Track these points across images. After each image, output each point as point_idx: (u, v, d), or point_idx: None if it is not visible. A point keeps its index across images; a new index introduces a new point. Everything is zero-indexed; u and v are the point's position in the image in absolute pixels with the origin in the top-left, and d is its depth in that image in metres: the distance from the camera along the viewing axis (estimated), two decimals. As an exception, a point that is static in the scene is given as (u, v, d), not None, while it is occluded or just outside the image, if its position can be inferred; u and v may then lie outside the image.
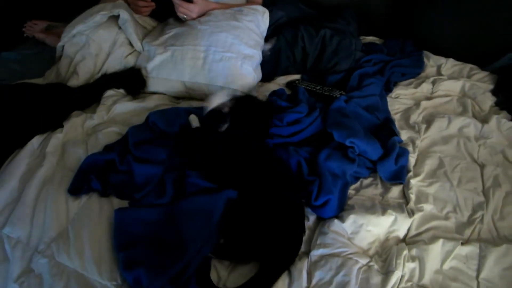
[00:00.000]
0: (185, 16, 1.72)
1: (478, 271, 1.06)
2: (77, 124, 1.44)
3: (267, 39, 1.79)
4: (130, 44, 1.71)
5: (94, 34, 1.63)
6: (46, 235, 1.11)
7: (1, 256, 1.09)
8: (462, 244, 1.12)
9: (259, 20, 1.77)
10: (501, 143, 1.47)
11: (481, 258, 1.09)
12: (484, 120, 1.56)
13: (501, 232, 1.18)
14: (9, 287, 1.05)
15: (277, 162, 1.25)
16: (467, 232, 1.17)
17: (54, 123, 1.42)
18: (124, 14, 1.63)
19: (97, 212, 1.16)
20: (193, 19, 1.73)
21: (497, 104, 1.67)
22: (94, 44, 1.64)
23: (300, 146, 1.35)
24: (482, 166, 1.38)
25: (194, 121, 1.36)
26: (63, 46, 1.66)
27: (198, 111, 1.45)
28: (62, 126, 1.42)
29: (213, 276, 1.05)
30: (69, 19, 1.73)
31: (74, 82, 1.60)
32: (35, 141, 1.36)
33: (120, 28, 1.68)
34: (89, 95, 1.57)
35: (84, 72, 1.63)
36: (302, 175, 1.24)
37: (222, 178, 1.18)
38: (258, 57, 1.70)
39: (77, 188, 1.20)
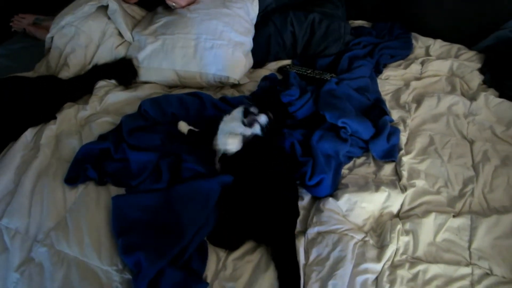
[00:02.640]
0: (174, 4, 1.71)
1: (470, 241, 1.10)
2: (70, 116, 1.44)
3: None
4: (120, 34, 1.70)
5: (83, 25, 1.62)
6: (45, 225, 1.12)
7: (0, 247, 1.10)
8: (454, 216, 1.15)
9: (249, 7, 1.77)
10: (489, 119, 1.51)
11: (473, 229, 1.12)
12: (472, 98, 1.59)
13: (491, 204, 1.21)
14: (10, 276, 1.05)
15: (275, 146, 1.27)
16: (459, 205, 1.21)
17: (46, 115, 1.42)
18: (113, 4, 1.62)
19: (94, 200, 1.17)
20: (182, 7, 1.72)
21: (484, 82, 1.71)
22: (84, 35, 1.63)
23: (294, 128, 1.37)
24: (471, 142, 1.41)
25: (183, 127, 1.33)
26: (52, 38, 1.64)
27: (189, 97, 1.46)
28: (55, 118, 1.41)
29: (212, 257, 1.07)
30: (57, 13, 1.71)
31: (65, 74, 1.60)
32: (29, 133, 1.36)
33: (109, 18, 1.67)
34: (81, 87, 1.56)
35: (74, 64, 1.62)
36: (295, 157, 1.26)
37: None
38: (249, 43, 1.71)
39: (73, 178, 1.21)
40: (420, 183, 1.25)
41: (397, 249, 1.08)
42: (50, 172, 1.24)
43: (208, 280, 1.02)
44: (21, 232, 1.12)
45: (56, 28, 1.62)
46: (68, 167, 1.23)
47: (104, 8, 1.65)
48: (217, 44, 1.61)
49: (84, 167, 1.21)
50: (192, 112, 1.43)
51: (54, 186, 1.20)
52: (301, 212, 1.17)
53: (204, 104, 1.45)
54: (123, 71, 1.65)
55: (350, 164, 1.34)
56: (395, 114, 1.51)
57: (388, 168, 1.31)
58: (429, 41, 1.94)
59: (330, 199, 1.18)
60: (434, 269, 1.03)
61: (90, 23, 1.64)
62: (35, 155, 1.28)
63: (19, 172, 1.24)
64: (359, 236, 1.10)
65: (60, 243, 1.08)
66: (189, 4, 1.74)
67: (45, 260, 1.06)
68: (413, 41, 1.94)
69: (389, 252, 1.07)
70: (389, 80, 1.73)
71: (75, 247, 1.07)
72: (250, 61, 1.73)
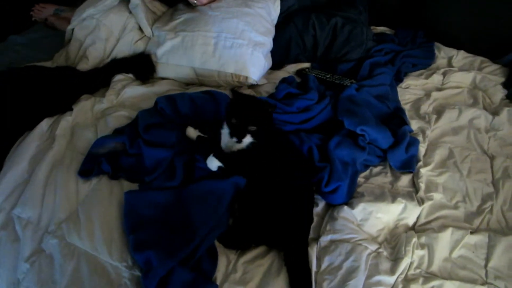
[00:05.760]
0: (195, 1, 1.70)
1: (487, 260, 1.07)
2: (86, 108, 1.44)
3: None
4: (140, 29, 1.70)
5: (104, 18, 1.63)
6: (57, 216, 1.12)
7: (12, 236, 1.10)
8: (471, 233, 1.13)
9: (270, 7, 1.76)
10: (511, 135, 1.47)
11: (490, 247, 1.09)
12: (494, 112, 1.56)
13: (510, 222, 1.18)
14: (20, 266, 1.05)
15: (291, 146, 1.25)
16: (476, 222, 1.18)
17: (63, 106, 1.43)
18: (135, -2, 1.62)
19: (107, 194, 1.16)
20: (203, 4, 1.72)
21: (508, 97, 1.67)
22: (105, 28, 1.63)
23: (312, 133, 1.35)
24: (492, 158, 1.38)
25: (192, 133, 1.30)
26: (72, 30, 1.65)
27: (205, 95, 1.45)
28: (72, 109, 1.42)
29: (223, 259, 1.06)
30: (77, 3, 1.72)
31: (83, 66, 1.60)
32: (44, 123, 1.36)
33: (130, 12, 1.67)
34: (98, 79, 1.56)
35: (94, 56, 1.63)
36: (313, 161, 1.24)
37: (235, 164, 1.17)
38: (269, 44, 1.70)
39: (87, 171, 1.20)
40: (437, 196, 1.22)
41: (411, 263, 1.06)
42: (64, 163, 1.24)
43: (218, 282, 1.01)
44: (33, 222, 1.11)
45: (77, 20, 1.63)
46: (83, 160, 1.23)
47: (126, 2, 1.66)
48: (237, 43, 1.60)
49: (98, 160, 1.21)
50: (205, 115, 1.41)
51: (67, 177, 1.20)
52: (315, 219, 1.15)
53: (218, 105, 1.44)
54: (141, 66, 1.65)
55: (367, 172, 1.32)
56: (414, 125, 1.48)
57: (405, 179, 1.28)
58: (452, 51, 1.91)
59: (345, 207, 1.16)
60: (449, 285, 1.01)
61: (111, 17, 1.64)
62: (50, 146, 1.28)
63: (34, 162, 1.24)
64: (373, 247, 1.08)
65: (71, 235, 1.07)
66: (210, 2, 1.73)
67: (56, 252, 1.06)
68: (436, 51, 1.91)
69: (403, 265, 1.04)
70: (410, 89, 1.71)
71: (86, 240, 1.06)
72: (269, 62, 1.71)
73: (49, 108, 1.41)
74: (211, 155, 1.17)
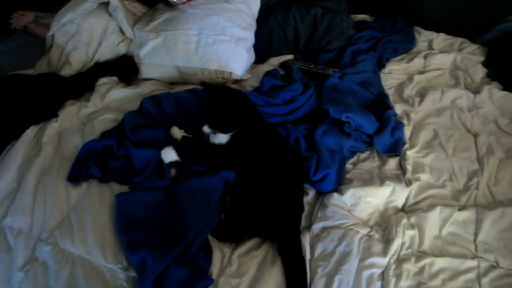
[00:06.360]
0: (175, 0, 1.70)
1: (476, 234, 1.10)
2: (72, 113, 1.43)
3: None
4: (121, 31, 1.69)
5: (84, 22, 1.61)
6: (48, 223, 1.12)
7: (4, 246, 1.09)
8: (459, 210, 1.15)
9: (250, 2, 1.75)
10: (493, 112, 1.50)
11: (478, 222, 1.12)
12: (476, 91, 1.58)
13: (496, 196, 1.21)
14: (15, 276, 1.05)
15: (279, 139, 1.26)
16: (464, 199, 1.20)
17: (48, 113, 1.41)
18: (114, 1, 1.61)
19: (98, 198, 1.16)
20: (183, 3, 1.71)
21: (488, 75, 1.70)
22: (85, 33, 1.62)
23: (298, 123, 1.36)
24: (475, 136, 1.41)
25: (177, 134, 1.30)
26: (53, 36, 1.63)
27: (190, 94, 1.45)
28: (57, 116, 1.41)
29: (217, 253, 1.07)
30: (56, 9, 1.70)
31: (66, 72, 1.59)
32: (30, 131, 1.35)
33: (110, 15, 1.66)
34: (82, 84, 1.55)
35: (76, 61, 1.61)
36: (300, 152, 1.25)
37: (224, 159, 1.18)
38: (251, 39, 1.70)
39: (76, 176, 1.20)
40: (424, 177, 1.24)
41: (402, 243, 1.08)
42: (53, 170, 1.23)
43: (214, 277, 1.02)
44: (24, 231, 1.11)
45: (57, 25, 1.61)
46: (71, 165, 1.22)
47: (105, 5, 1.64)
48: (219, 40, 1.60)
49: (87, 165, 1.20)
50: (191, 113, 1.40)
51: (57, 184, 1.19)
52: (306, 208, 1.17)
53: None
54: (125, 68, 1.64)
55: (354, 158, 1.33)
56: (398, 108, 1.50)
57: (392, 163, 1.30)
58: (432, 34, 1.94)
59: (335, 194, 1.17)
60: (440, 262, 1.03)
61: (91, 20, 1.63)
62: (37, 153, 1.27)
63: (22, 170, 1.23)
64: (364, 231, 1.10)
65: (64, 241, 1.07)
66: (190, 0, 1.73)
67: (50, 259, 1.06)
68: (416, 35, 1.94)
69: (395, 246, 1.06)
70: (392, 74, 1.73)
71: (79, 245, 1.06)
72: (252, 56, 1.72)
73: (34, 116, 1.39)
74: (170, 147, 1.18)
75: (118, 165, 1.24)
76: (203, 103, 1.19)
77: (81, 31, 1.61)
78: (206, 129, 1.11)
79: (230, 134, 1.12)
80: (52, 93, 1.46)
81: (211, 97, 1.16)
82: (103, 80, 1.57)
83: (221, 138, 1.12)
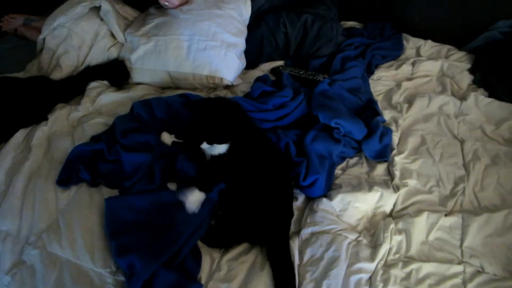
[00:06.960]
0: (166, 3, 1.70)
1: (462, 240, 1.11)
2: (62, 116, 1.43)
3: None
4: (113, 35, 1.69)
5: (75, 26, 1.62)
6: (36, 227, 1.11)
7: (-9, 249, 1.08)
8: (446, 215, 1.16)
9: (242, 8, 1.77)
10: (479, 119, 1.52)
11: (464, 228, 1.13)
12: (462, 98, 1.61)
13: (482, 202, 1.22)
14: (1, 279, 1.04)
15: (270, 144, 1.26)
16: (450, 204, 1.22)
17: (38, 116, 1.41)
18: (106, 5, 1.61)
19: (87, 202, 1.16)
20: (175, 7, 1.72)
21: (474, 82, 1.72)
22: (76, 37, 1.62)
23: (288, 129, 1.37)
24: (462, 142, 1.43)
25: (167, 139, 1.30)
26: (44, 39, 1.63)
27: (181, 99, 1.45)
28: (47, 119, 1.40)
29: (206, 258, 1.07)
30: (47, 13, 1.70)
31: (57, 75, 1.59)
32: (20, 134, 1.35)
33: (101, 19, 1.66)
34: (73, 87, 1.56)
35: (67, 65, 1.61)
36: (290, 157, 1.26)
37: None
38: (241, 45, 1.71)
39: (65, 179, 1.20)
40: (412, 182, 1.26)
41: (390, 249, 1.09)
42: (42, 173, 1.23)
43: (203, 281, 1.02)
44: (12, 234, 1.10)
45: (48, 29, 1.61)
46: (60, 169, 1.22)
47: (97, 9, 1.65)
48: (210, 45, 1.61)
49: (76, 169, 1.20)
50: (182, 118, 1.40)
51: (46, 187, 1.19)
52: (295, 213, 1.17)
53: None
54: (116, 72, 1.64)
55: (343, 164, 1.35)
56: (387, 115, 1.52)
57: (380, 168, 1.32)
58: (420, 41, 1.96)
59: (324, 199, 1.18)
60: (427, 267, 1.04)
61: (82, 24, 1.63)
62: (27, 157, 1.27)
63: (10, 173, 1.23)
64: (352, 236, 1.11)
65: (52, 245, 1.07)
66: (181, 5, 1.74)
67: (37, 263, 1.05)
68: (404, 42, 1.96)
69: (383, 251, 1.07)
70: (381, 81, 1.75)
71: (67, 249, 1.06)
72: (243, 62, 1.73)
73: (24, 119, 1.39)
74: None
75: (108, 169, 1.24)
76: (193, 122, 1.17)
77: (72, 35, 1.61)
78: (204, 145, 1.10)
79: (228, 143, 1.12)
80: (42, 96, 1.46)
81: (199, 113, 1.15)
82: (93, 84, 1.57)
83: (221, 148, 1.12)
